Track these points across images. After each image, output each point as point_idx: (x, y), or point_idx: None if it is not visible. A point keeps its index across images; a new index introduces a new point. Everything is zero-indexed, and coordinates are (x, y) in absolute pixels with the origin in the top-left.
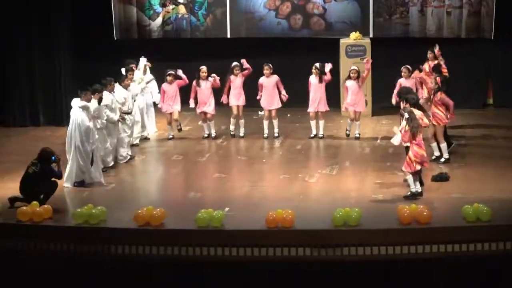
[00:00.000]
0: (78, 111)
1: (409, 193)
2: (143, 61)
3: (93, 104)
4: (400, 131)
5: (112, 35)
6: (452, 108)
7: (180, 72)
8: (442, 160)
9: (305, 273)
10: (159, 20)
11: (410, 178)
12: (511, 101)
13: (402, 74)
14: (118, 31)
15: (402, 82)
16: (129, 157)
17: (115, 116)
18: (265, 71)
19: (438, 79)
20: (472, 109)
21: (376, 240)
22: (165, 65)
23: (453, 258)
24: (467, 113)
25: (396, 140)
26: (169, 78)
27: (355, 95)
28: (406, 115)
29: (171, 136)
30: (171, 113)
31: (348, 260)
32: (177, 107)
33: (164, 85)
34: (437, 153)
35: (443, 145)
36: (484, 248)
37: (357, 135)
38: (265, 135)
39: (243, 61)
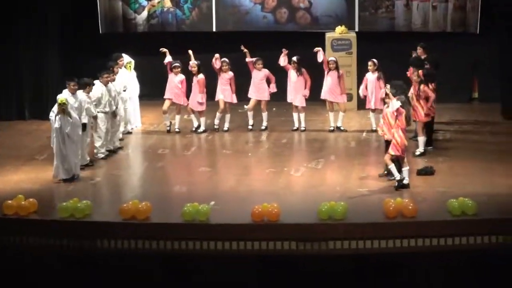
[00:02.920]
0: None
1: (396, 183)
2: (127, 58)
3: (78, 96)
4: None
5: (98, 29)
6: (431, 101)
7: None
8: (417, 153)
9: (291, 266)
10: (144, 14)
11: (392, 167)
12: (496, 96)
13: (368, 68)
14: (104, 25)
15: (369, 76)
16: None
17: (94, 111)
18: (258, 66)
19: (420, 72)
20: (457, 103)
21: (362, 234)
22: (151, 59)
23: (439, 252)
24: (453, 107)
25: (395, 105)
26: (175, 69)
27: (331, 86)
28: (399, 103)
29: (168, 128)
30: (172, 103)
31: (333, 253)
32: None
33: (171, 75)
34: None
35: (421, 138)
36: (469, 241)
37: (332, 127)
38: (250, 127)
39: (243, 49)
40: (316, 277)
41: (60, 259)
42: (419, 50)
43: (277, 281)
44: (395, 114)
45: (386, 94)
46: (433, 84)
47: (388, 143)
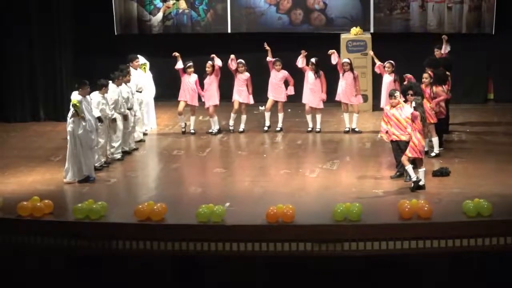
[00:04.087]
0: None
1: (412, 184)
2: (142, 59)
3: (94, 97)
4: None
5: (113, 31)
6: (437, 101)
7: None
8: (433, 154)
9: (306, 268)
10: (159, 15)
11: (409, 168)
12: None
13: (386, 69)
14: (119, 27)
15: (385, 78)
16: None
17: (110, 113)
18: (276, 66)
19: (431, 72)
20: (472, 104)
21: (377, 235)
22: (166, 60)
23: (454, 253)
24: (468, 108)
25: (408, 111)
26: (189, 69)
27: (346, 88)
28: (411, 108)
29: (183, 129)
30: (187, 104)
31: (348, 255)
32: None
33: (185, 77)
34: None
35: (435, 139)
36: (484, 243)
37: (347, 128)
38: (266, 128)
39: (266, 47)
40: (331, 279)
41: (75, 261)
42: (437, 52)
43: (291, 283)
44: (411, 117)
45: (391, 95)
46: (445, 86)
47: (394, 144)
